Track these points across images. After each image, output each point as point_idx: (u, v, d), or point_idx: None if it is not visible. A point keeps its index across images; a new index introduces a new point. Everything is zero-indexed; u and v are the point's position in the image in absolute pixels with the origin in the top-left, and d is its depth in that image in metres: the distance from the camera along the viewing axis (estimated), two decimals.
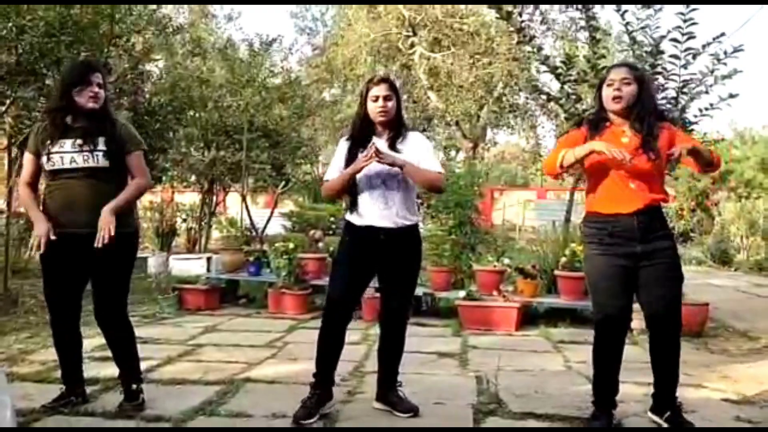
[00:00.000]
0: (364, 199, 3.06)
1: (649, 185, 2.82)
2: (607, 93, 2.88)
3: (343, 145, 3.16)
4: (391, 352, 3.18)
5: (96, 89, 2.95)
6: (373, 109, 3.06)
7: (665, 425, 2.83)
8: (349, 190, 3.09)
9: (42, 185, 3.13)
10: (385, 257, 3.08)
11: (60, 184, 2.98)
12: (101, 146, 2.96)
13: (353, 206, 3.09)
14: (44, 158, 2.97)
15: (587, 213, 2.96)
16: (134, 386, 3.10)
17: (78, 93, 2.93)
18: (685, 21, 5.03)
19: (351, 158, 3.07)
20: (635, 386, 3.43)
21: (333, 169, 3.16)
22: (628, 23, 5.42)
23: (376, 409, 3.16)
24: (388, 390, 3.17)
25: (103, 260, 2.93)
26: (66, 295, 3.03)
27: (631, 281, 2.85)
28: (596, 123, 2.94)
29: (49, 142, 2.96)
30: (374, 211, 3.04)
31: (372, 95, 3.06)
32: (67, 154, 2.93)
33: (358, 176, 3.03)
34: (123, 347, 3.13)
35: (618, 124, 2.91)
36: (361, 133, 3.12)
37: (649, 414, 2.95)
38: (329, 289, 3.16)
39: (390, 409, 3.12)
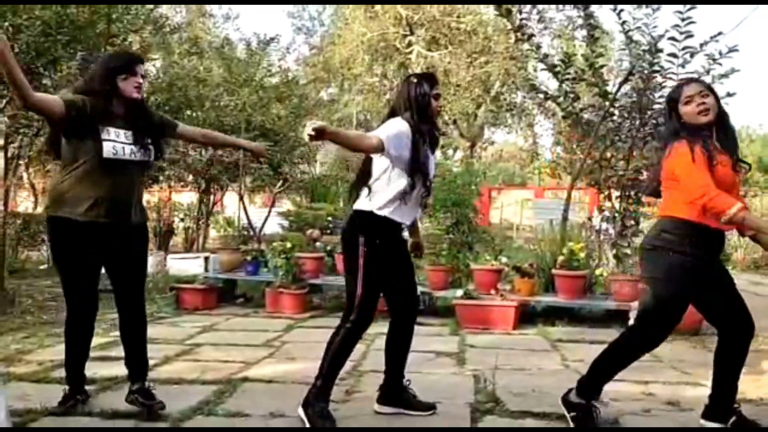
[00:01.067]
0: (413, 195, 2.92)
1: None
2: (692, 108, 2.68)
3: (408, 132, 2.86)
4: (404, 351, 3.13)
5: (140, 80, 2.98)
6: (435, 107, 2.99)
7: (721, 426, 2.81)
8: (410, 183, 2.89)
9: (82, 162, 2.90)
10: (400, 255, 3.10)
11: (107, 171, 2.87)
12: (150, 141, 3.05)
13: (398, 201, 2.88)
14: (94, 141, 2.84)
15: (691, 221, 2.70)
16: (147, 384, 3.07)
17: (123, 80, 2.92)
18: (683, 20, 5.04)
19: (414, 152, 2.86)
20: (634, 385, 3.44)
21: (390, 135, 2.80)
22: (624, 22, 5.43)
23: (376, 410, 3.12)
24: (401, 390, 3.11)
25: (130, 246, 3.02)
26: (88, 286, 2.98)
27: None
28: (705, 142, 2.64)
29: (98, 123, 2.86)
30: (414, 207, 3.00)
31: (435, 93, 2.97)
32: (127, 146, 2.93)
33: (423, 170, 2.91)
34: (139, 336, 3.10)
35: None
36: (422, 130, 2.93)
37: (702, 421, 2.89)
38: (370, 298, 2.91)
39: (405, 410, 3.06)
